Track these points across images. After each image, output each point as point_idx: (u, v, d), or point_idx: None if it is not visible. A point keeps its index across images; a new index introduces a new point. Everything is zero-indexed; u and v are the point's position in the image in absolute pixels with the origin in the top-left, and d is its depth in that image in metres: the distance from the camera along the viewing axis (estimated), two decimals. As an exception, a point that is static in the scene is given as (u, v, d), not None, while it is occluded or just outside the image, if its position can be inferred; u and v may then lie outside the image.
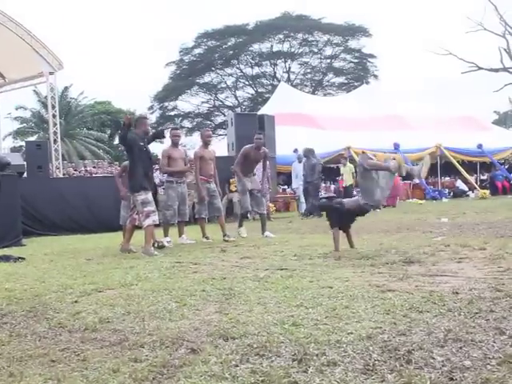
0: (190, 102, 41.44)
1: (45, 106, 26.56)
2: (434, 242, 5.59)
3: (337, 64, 41.65)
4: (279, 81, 36.44)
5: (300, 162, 13.59)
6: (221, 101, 42.40)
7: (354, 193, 14.14)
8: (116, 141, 35.15)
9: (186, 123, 42.51)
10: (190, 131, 41.67)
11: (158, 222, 6.15)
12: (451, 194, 19.73)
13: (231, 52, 39.66)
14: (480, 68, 30.29)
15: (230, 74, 41.35)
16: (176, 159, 7.12)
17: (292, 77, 41.09)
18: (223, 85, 41.67)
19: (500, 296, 2.84)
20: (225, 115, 35.88)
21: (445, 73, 53.79)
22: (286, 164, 16.18)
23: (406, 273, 3.70)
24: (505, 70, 29.98)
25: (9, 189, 8.35)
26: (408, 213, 11.35)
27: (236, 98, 42.12)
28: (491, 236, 5.88)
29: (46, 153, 12.30)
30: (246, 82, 41.79)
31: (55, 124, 17.36)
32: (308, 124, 19.99)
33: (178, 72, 40.79)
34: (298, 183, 14.07)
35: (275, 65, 40.91)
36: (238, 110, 38.33)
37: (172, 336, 2.42)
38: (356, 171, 14.65)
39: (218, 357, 2.11)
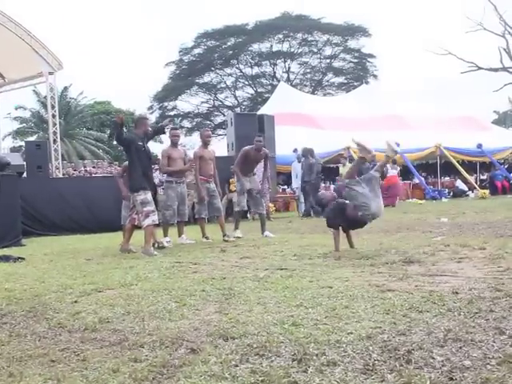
0: (190, 101, 41.53)
1: (44, 106, 26.56)
2: (433, 241, 5.59)
3: (336, 64, 41.66)
4: (279, 81, 36.42)
5: (300, 161, 13.59)
6: (220, 101, 42.42)
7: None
8: (116, 141, 35.12)
9: (186, 123, 42.52)
10: (190, 131, 41.70)
11: (157, 222, 6.15)
12: (451, 193, 19.72)
13: (231, 52, 39.65)
14: (480, 68, 30.32)
15: (230, 74, 41.36)
16: (175, 159, 7.12)
17: (292, 77, 41.11)
18: (223, 85, 41.69)
19: (500, 296, 2.84)
20: (224, 115, 35.87)
21: (444, 73, 53.84)
22: (286, 164, 16.18)
23: (406, 273, 3.70)
24: (504, 69, 30.00)
25: (9, 189, 8.37)
26: (408, 213, 11.34)
27: (236, 97, 42.14)
28: (491, 236, 5.88)
29: (46, 153, 12.29)
30: (246, 82, 41.78)
31: (55, 124, 17.35)
32: (308, 124, 19.98)
33: (178, 72, 40.78)
34: (297, 183, 14.07)
35: (275, 65, 40.91)
36: (238, 109, 38.32)
37: (172, 336, 2.42)
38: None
39: (217, 357, 2.11)
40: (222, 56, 39.89)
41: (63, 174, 16.91)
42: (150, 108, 41.42)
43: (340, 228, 5.27)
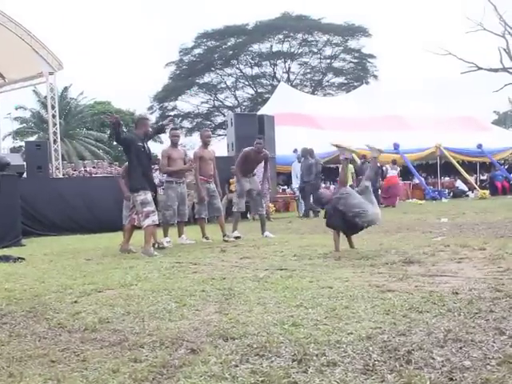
0: (190, 102, 41.54)
1: (44, 106, 26.56)
2: (433, 242, 5.59)
3: (336, 64, 41.67)
4: (279, 81, 36.44)
5: (299, 162, 13.59)
6: (220, 101, 42.43)
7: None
8: (116, 141, 35.15)
9: (186, 123, 42.53)
10: (190, 131, 41.70)
11: (157, 222, 6.15)
12: (451, 194, 19.73)
13: (231, 52, 39.66)
14: (480, 68, 30.29)
15: (230, 74, 41.38)
16: (175, 159, 7.12)
17: (292, 77, 41.12)
18: (223, 85, 41.70)
19: (500, 296, 2.84)
20: (224, 115, 35.87)
21: (445, 73, 53.75)
22: (286, 164, 16.18)
23: (406, 273, 3.70)
24: (504, 70, 29.98)
25: (9, 189, 8.37)
26: (408, 213, 11.35)
27: (236, 98, 42.15)
28: (491, 236, 5.88)
29: (46, 153, 12.28)
30: (246, 82, 41.79)
31: (55, 124, 17.34)
32: (308, 124, 19.99)
33: (178, 72, 40.79)
34: (297, 183, 14.07)
35: (275, 65, 40.92)
36: (238, 110, 38.32)
37: (172, 336, 2.42)
38: (355, 171, 14.76)
39: (217, 357, 2.11)
40: (222, 56, 39.89)
41: (63, 175, 16.90)
42: (150, 108, 41.48)
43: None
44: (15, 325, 2.86)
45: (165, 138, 25.99)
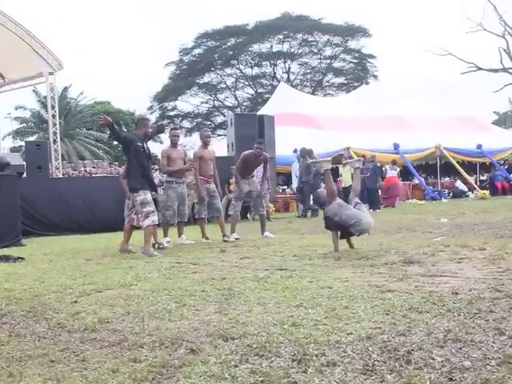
0: (190, 102, 41.53)
1: (44, 106, 26.57)
2: (433, 242, 5.59)
3: (336, 64, 41.67)
4: (279, 81, 36.45)
5: (299, 162, 13.59)
6: (220, 101, 42.43)
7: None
8: (115, 141, 35.15)
9: (186, 123, 42.53)
10: (190, 131, 41.69)
11: (157, 223, 6.15)
12: (451, 194, 19.74)
13: (231, 52, 39.65)
14: (479, 68, 30.30)
15: (230, 75, 41.38)
16: (175, 159, 7.12)
17: (292, 77, 41.12)
18: (223, 85, 41.70)
19: (500, 296, 2.84)
20: (224, 115, 35.86)
21: (444, 73, 53.85)
22: (286, 164, 16.19)
23: (406, 273, 3.70)
24: (504, 70, 29.98)
25: (8, 189, 8.37)
26: (407, 213, 11.35)
27: (236, 98, 42.14)
28: (491, 236, 5.88)
29: (46, 153, 12.29)
30: (246, 83, 41.78)
31: (55, 124, 17.34)
32: (308, 124, 20.00)
33: (178, 72, 40.78)
34: (297, 183, 14.07)
35: (275, 65, 40.92)
36: (238, 110, 38.31)
37: (171, 336, 2.42)
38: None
39: (217, 357, 2.11)
40: (222, 56, 39.89)
41: (63, 174, 16.91)
42: (150, 108, 41.44)
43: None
44: (15, 325, 2.86)
45: (165, 138, 25.96)
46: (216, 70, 40.78)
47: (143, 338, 2.44)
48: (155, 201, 6.13)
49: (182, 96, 40.87)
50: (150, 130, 6.56)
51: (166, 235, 7.07)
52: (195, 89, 40.97)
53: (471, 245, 5.05)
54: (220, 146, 15.77)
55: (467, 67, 30.46)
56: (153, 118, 39.28)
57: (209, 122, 41.76)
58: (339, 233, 5.24)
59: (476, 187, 19.23)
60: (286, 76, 40.71)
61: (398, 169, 17.38)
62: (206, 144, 7.61)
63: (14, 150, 25.78)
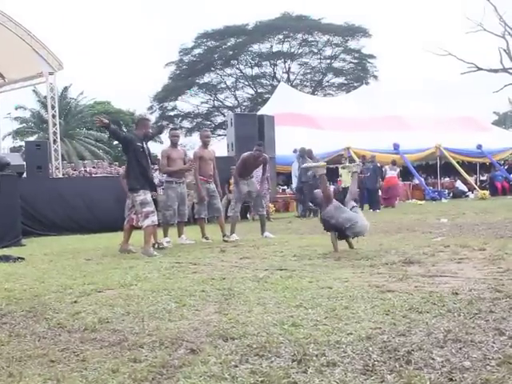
0: (190, 102, 41.53)
1: (44, 106, 26.55)
2: (433, 242, 5.59)
3: (336, 64, 41.67)
4: (279, 81, 36.45)
5: (299, 162, 13.58)
6: (220, 101, 42.42)
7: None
8: (116, 141, 35.19)
9: (186, 123, 42.52)
10: (190, 131, 41.70)
11: (157, 223, 6.15)
12: (451, 194, 19.74)
13: (231, 52, 39.65)
14: (479, 69, 30.31)
15: (230, 75, 41.37)
16: (175, 159, 7.12)
17: (292, 77, 41.12)
18: (223, 85, 41.69)
19: (500, 297, 2.84)
20: (224, 115, 35.85)
21: (444, 73, 53.81)
22: (286, 164, 16.19)
23: (406, 273, 3.70)
24: (504, 70, 29.98)
25: (8, 189, 8.37)
26: (407, 213, 11.35)
27: (236, 98, 42.14)
28: (491, 237, 5.88)
29: (46, 153, 12.29)
30: (246, 83, 41.78)
31: (55, 124, 17.34)
32: (308, 124, 20.00)
33: (178, 72, 40.78)
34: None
35: (275, 65, 40.91)
36: (238, 110, 38.31)
37: (171, 336, 2.42)
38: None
39: (217, 357, 2.11)
40: (222, 56, 39.88)
41: (63, 174, 16.90)
42: (150, 108, 41.46)
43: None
44: (15, 325, 2.86)
45: (165, 138, 25.95)
46: (216, 70, 40.78)
47: (143, 337, 2.44)
48: (155, 201, 6.14)
49: (181, 96, 40.91)
50: (151, 130, 6.57)
51: (165, 235, 7.07)
52: (195, 89, 40.99)
53: (471, 245, 5.04)
54: (220, 146, 15.77)
55: (467, 67, 30.50)
56: (153, 118, 39.35)
57: (209, 122, 41.76)
58: (337, 233, 5.26)
59: (476, 187, 19.23)
60: (286, 76, 40.73)
61: (398, 169, 17.38)
62: (205, 144, 7.61)
63: (14, 149, 25.78)
